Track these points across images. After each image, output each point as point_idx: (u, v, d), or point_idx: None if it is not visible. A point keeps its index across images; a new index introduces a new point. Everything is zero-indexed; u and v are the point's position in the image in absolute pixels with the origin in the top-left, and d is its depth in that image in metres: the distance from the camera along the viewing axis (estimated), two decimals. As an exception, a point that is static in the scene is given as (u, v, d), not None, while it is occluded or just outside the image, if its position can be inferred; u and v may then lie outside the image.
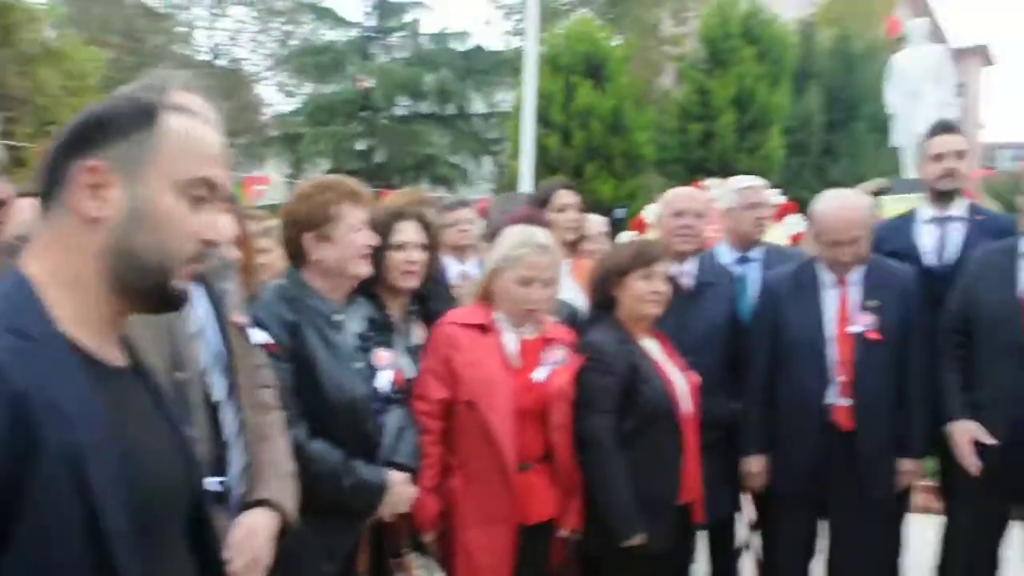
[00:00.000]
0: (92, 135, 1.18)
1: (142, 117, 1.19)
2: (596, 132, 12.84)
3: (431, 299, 2.84)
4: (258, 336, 2.13)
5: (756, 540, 3.70)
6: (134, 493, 1.15)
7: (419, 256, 2.69)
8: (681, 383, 2.89)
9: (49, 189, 1.18)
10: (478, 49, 21.85)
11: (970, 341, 3.11)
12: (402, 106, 21.91)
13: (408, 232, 2.69)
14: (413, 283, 2.69)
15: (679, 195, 3.57)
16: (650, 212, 5.49)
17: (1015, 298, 3.01)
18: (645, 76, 17.41)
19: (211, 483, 1.69)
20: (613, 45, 14.35)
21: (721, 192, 3.97)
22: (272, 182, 8.79)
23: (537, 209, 3.48)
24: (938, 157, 3.52)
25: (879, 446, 3.08)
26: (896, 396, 3.09)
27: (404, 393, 2.56)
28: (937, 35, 25.81)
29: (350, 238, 2.43)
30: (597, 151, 12.88)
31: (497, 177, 21.40)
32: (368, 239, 2.47)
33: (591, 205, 11.36)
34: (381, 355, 2.52)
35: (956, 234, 3.49)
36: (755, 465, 3.23)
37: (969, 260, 3.29)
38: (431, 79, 22.13)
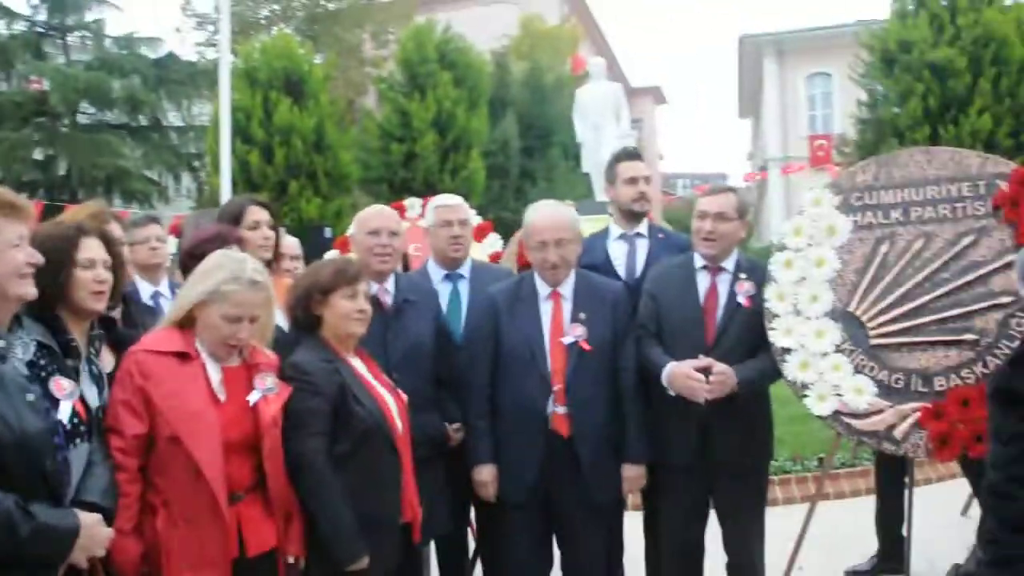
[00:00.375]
0: None
1: None
2: (298, 150, 12.57)
3: (120, 322, 2.61)
4: None
5: (485, 552, 3.84)
6: None
7: (107, 275, 2.47)
8: (391, 401, 2.89)
9: None
10: (171, 57, 20.47)
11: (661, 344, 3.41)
12: (86, 113, 19.97)
13: (94, 249, 2.45)
14: (101, 306, 2.45)
15: (372, 214, 3.58)
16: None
17: (697, 305, 3.39)
18: (347, 96, 17.42)
19: None
20: (313, 63, 14.17)
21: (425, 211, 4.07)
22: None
23: (229, 227, 3.33)
24: (632, 180, 3.92)
25: (597, 452, 3.26)
26: (610, 404, 3.30)
27: (89, 425, 2.32)
28: (616, 74, 28.53)
29: (7, 255, 2.17)
30: (300, 169, 12.62)
31: (197, 194, 20.25)
32: (29, 257, 2.20)
33: (297, 224, 11.10)
34: (60, 384, 2.24)
35: (642, 250, 3.90)
36: (486, 475, 3.31)
37: (651, 272, 3.66)
38: (119, 86, 20.44)
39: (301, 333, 2.90)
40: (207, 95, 23.12)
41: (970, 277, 3.13)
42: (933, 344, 3.15)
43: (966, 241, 3.16)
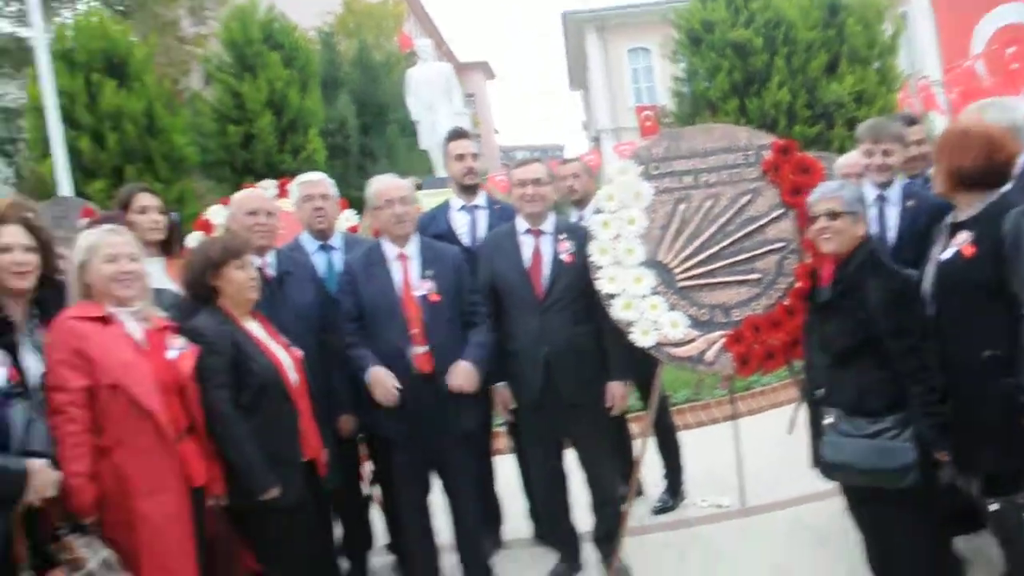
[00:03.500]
0: None
1: None
2: (130, 134, 12.25)
3: (48, 301, 2.93)
4: None
5: (378, 491, 4.33)
6: None
7: (26, 258, 2.78)
8: (284, 357, 3.34)
9: None
10: (-32, 34, 19.04)
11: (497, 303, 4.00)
12: None
13: (12, 235, 2.77)
14: (24, 284, 2.77)
15: (249, 196, 4.00)
16: (214, 213, 5.73)
17: (523, 267, 3.97)
18: (171, 75, 16.92)
19: None
20: (134, 43, 13.70)
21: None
22: None
23: (119, 212, 3.64)
24: (460, 157, 4.51)
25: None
26: (462, 344, 3.83)
27: (25, 387, 2.65)
28: (443, 51, 28.95)
29: None
30: (135, 154, 12.32)
31: (16, 179, 19.07)
32: None
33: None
34: (-5, 356, 2.60)
35: (482, 219, 4.48)
36: (349, 423, 3.83)
37: (482, 241, 4.25)
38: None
39: (199, 303, 3.28)
40: (11, 74, 21.79)
41: (750, 228, 3.84)
42: (728, 284, 3.84)
43: (744, 199, 3.86)
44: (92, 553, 2.64)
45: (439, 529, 4.04)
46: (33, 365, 2.72)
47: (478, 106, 31.67)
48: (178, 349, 2.98)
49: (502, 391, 4.01)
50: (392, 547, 4.49)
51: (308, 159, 13.97)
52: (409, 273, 3.85)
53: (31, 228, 2.82)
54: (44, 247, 2.85)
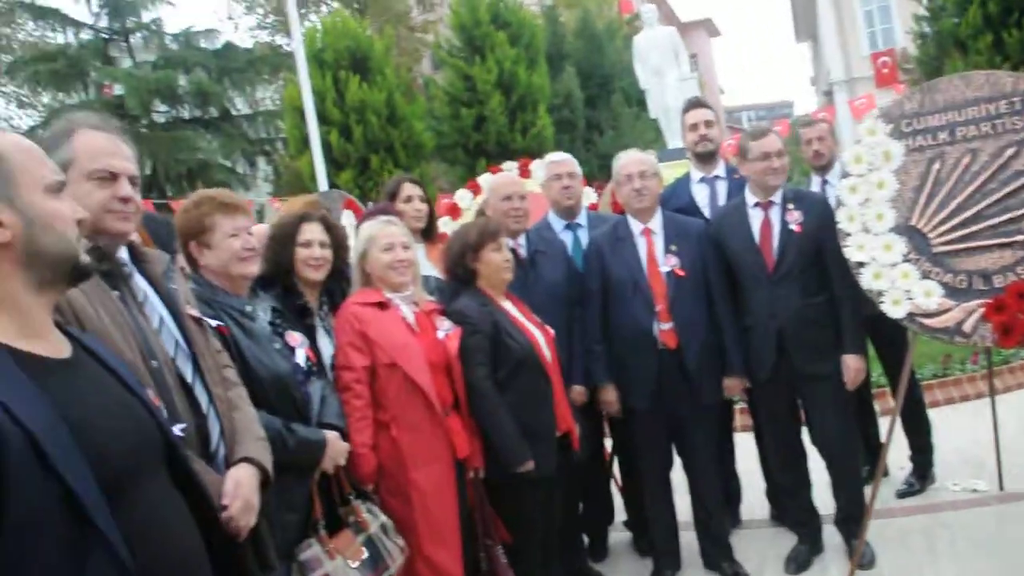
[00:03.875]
0: None
1: None
2: (374, 125, 13.16)
3: (338, 292, 3.25)
4: (210, 322, 2.45)
5: (615, 466, 4.45)
6: (95, 458, 1.34)
7: (324, 253, 3.09)
8: (539, 335, 3.47)
9: None
10: (229, 47, 21.17)
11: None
12: (160, 112, 20.93)
13: (312, 231, 3.08)
14: (320, 276, 3.08)
15: (504, 182, 4.16)
16: (461, 197, 6.05)
17: (752, 241, 3.86)
18: (405, 64, 17.91)
19: (176, 430, 1.86)
20: (373, 37, 14.65)
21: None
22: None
23: (388, 203, 3.94)
24: (693, 127, 4.43)
25: (700, 360, 3.80)
26: (708, 320, 3.82)
27: (320, 367, 2.96)
28: (665, 12, 28.38)
29: (227, 244, 2.76)
30: (378, 143, 13.22)
31: (275, 177, 21.07)
32: (246, 242, 2.77)
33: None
34: (293, 336, 2.90)
35: (722, 191, 4.39)
36: (609, 393, 3.89)
37: (713, 218, 4.14)
38: (185, 81, 21.35)
39: (459, 286, 3.49)
40: (268, 79, 24.00)
41: (1015, 185, 3.46)
42: (988, 247, 3.49)
43: (1009, 153, 3.47)
44: (373, 518, 2.91)
45: (678, 508, 4.07)
46: (326, 347, 3.03)
47: (701, 67, 30.80)
48: (445, 330, 3.19)
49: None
50: (629, 524, 4.56)
51: (537, 136, 14.29)
52: (654, 248, 3.86)
53: (328, 226, 3.13)
54: (337, 243, 3.15)
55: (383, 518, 2.95)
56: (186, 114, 21.07)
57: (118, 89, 21.65)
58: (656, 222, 3.92)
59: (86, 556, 1.31)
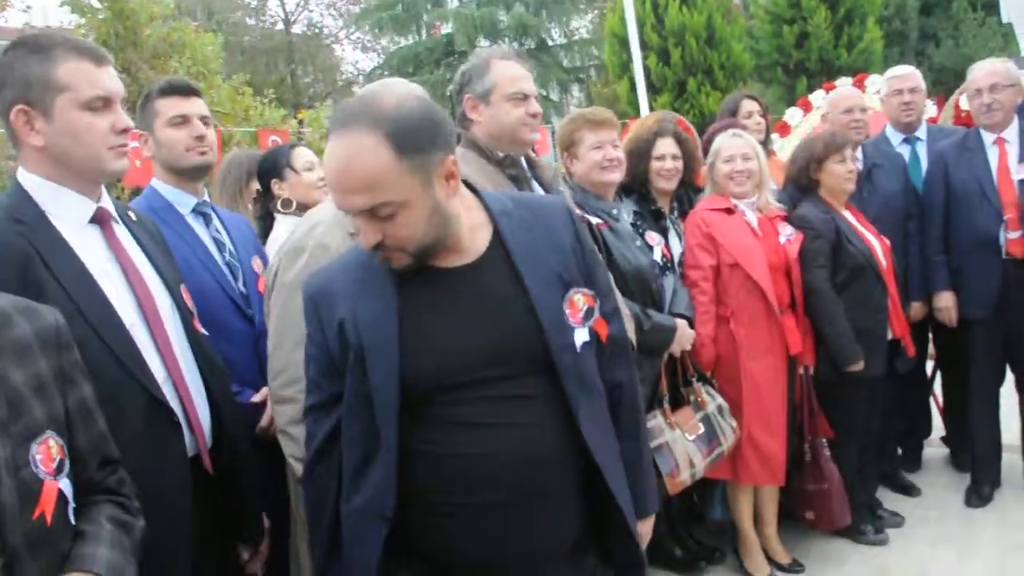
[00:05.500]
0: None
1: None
2: (693, 48, 13.21)
3: (685, 199, 3.66)
4: (589, 219, 2.91)
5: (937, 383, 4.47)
6: (417, 372, 1.54)
7: (674, 164, 3.46)
8: (876, 244, 3.60)
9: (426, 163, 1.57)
10: (547, -19, 21.96)
11: None
12: (483, 47, 22.38)
13: (666, 146, 3.46)
14: (670, 185, 3.47)
15: (845, 95, 4.28)
16: (791, 115, 6.12)
17: None
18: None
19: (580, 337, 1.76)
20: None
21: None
22: (288, 136, 9.45)
23: (731, 118, 4.21)
24: None
25: None
26: None
27: (672, 264, 3.36)
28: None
29: (590, 155, 3.19)
30: (695, 66, 13.27)
31: (587, 103, 21.81)
32: (608, 154, 3.16)
33: (699, 119, 11.79)
34: (651, 236, 3.34)
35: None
36: (947, 300, 3.92)
37: None
38: (507, 16, 22.64)
39: (802, 195, 3.69)
40: (583, 9, 24.66)
41: None
42: None
43: None
44: (711, 399, 3.28)
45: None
46: (676, 247, 3.43)
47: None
48: (787, 235, 3.44)
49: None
50: (947, 440, 4.54)
51: (864, 51, 13.47)
52: (1007, 156, 3.79)
53: (679, 140, 3.48)
54: (688, 156, 3.50)
55: (720, 400, 3.32)
56: (506, 47, 22.24)
57: (446, 28, 23.55)
58: (1012, 131, 3.82)
59: (377, 451, 1.59)
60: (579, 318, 1.68)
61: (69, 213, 1.79)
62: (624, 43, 12.12)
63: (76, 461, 1.43)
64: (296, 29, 28.55)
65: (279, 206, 3.22)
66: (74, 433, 1.44)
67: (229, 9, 26.64)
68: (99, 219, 1.82)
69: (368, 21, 24.40)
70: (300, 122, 11.93)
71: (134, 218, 1.96)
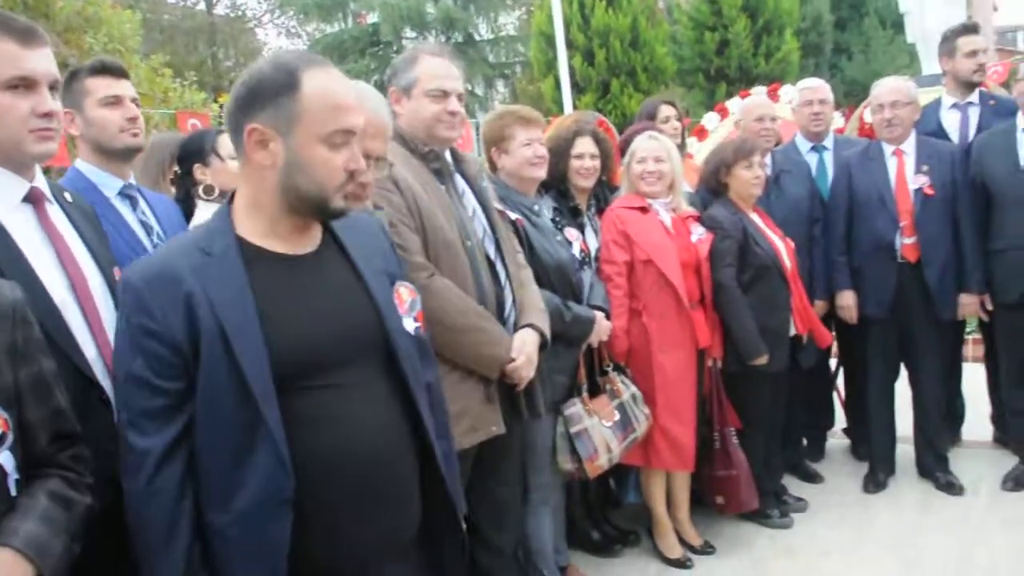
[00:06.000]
0: (250, 101, 1.57)
1: (285, 87, 1.55)
2: (617, 50, 13.46)
3: (602, 196, 3.79)
4: (510, 215, 3.02)
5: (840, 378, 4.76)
6: (285, 352, 1.52)
7: (592, 163, 3.58)
8: (781, 245, 3.81)
9: (234, 141, 1.61)
10: (474, -24, 21.97)
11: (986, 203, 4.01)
12: (409, 39, 22.31)
13: (585, 145, 3.57)
14: (588, 183, 3.59)
15: (758, 104, 4.50)
16: (708, 120, 6.35)
17: (1019, 168, 3.89)
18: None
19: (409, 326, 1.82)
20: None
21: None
22: (208, 120, 9.43)
23: (649, 122, 4.37)
24: (972, 54, 4.42)
25: (941, 275, 4.00)
26: (952, 240, 4.00)
27: (590, 259, 3.50)
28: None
29: (520, 151, 3.28)
30: (620, 68, 13.52)
31: (512, 100, 21.93)
32: (537, 151, 3.26)
33: (620, 120, 12.00)
34: (570, 231, 3.47)
35: (974, 117, 4.41)
36: (848, 299, 4.16)
37: (976, 141, 4.17)
38: (435, 9, 22.57)
39: (713, 196, 3.88)
40: (510, 6, 24.77)
41: None
42: None
43: None
44: (626, 388, 3.44)
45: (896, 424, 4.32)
46: (592, 242, 3.56)
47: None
48: (699, 235, 3.62)
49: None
50: (848, 431, 4.84)
51: (781, 61, 13.96)
52: (904, 167, 4.06)
53: (597, 140, 3.61)
54: (604, 155, 3.63)
55: (634, 389, 3.48)
56: (432, 40, 22.27)
57: (372, 18, 23.36)
58: (909, 144, 4.10)
59: (256, 439, 1.51)
60: (405, 308, 1.77)
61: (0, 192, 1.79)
62: (550, 41, 12.27)
63: (26, 435, 1.44)
64: (218, 11, 27.90)
65: (201, 192, 3.21)
66: (24, 407, 1.44)
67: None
68: (32, 199, 1.83)
69: (293, 7, 24.01)
70: (221, 106, 11.72)
71: (69, 199, 1.97)
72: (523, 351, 2.68)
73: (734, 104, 6.39)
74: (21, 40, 1.76)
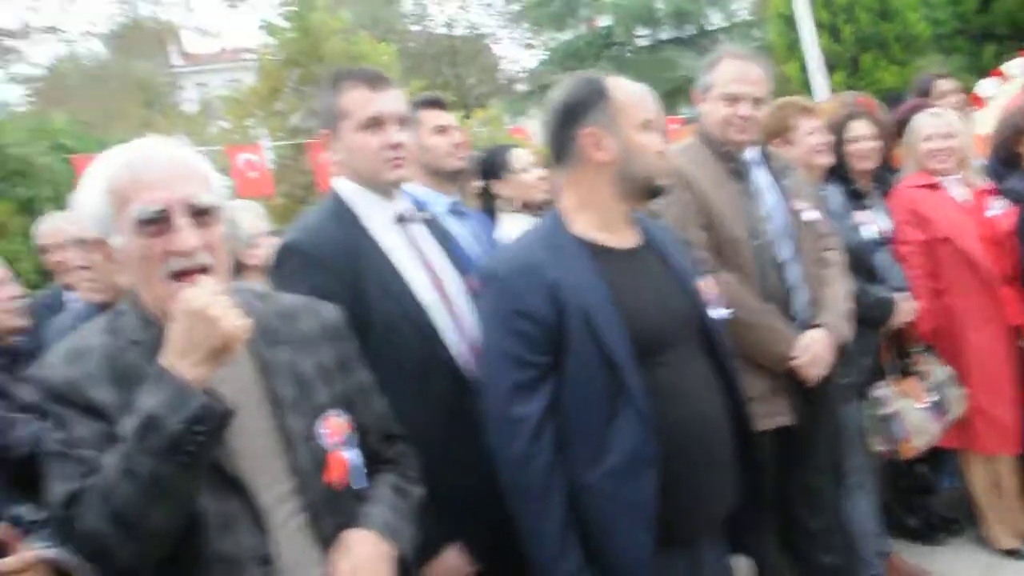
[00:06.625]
0: (572, 116, 1.91)
1: (599, 95, 1.91)
2: (865, 22, 12.73)
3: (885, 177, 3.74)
4: (810, 215, 3.04)
5: None
6: (632, 329, 1.76)
7: (870, 145, 3.55)
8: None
9: (558, 153, 1.98)
10: (698, -36, 21.60)
11: None
12: (642, 36, 22.37)
13: (859, 128, 3.56)
14: (867, 165, 3.58)
15: None
16: (983, 87, 5.93)
17: None
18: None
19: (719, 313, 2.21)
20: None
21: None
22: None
23: (923, 99, 4.23)
24: None
25: None
26: None
27: (884, 239, 3.48)
28: None
29: (807, 140, 3.35)
30: (869, 41, 12.76)
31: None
32: (821, 139, 3.35)
33: (878, 96, 11.35)
34: (860, 215, 3.49)
35: None
36: None
37: None
38: (664, 3, 22.43)
39: (1006, 168, 3.69)
40: (748, -10, 24.09)
41: None
42: None
43: None
44: (937, 368, 3.36)
45: None
46: (884, 224, 3.51)
47: None
48: (996, 209, 3.47)
49: None
50: None
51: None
52: None
53: (874, 121, 3.57)
54: (883, 136, 3.59)
55: (947, 369, 3.41)
56: (664, 35, 22.18)
57: (604, 20, 23.64)
58: None
59: (619, 405, 1.76)
60: (712, 298, 2.11)
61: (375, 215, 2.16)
62: (790, 22, 11.85)
63: (362, 436, 1.65)
64: (456, 31, 29.47)
65: (502, 205, 3.57)
66: (356, 412, 1.65)
67: (393, 18, 27.84)
68: (401, 219, 2.19)
69: (527, 19, 24.85)
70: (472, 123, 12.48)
71: (428, 217, 2.33)
72: (808, 350, 2.70)
73: (1014, 66, 5.91)
74: (370, 86, 2.13)
